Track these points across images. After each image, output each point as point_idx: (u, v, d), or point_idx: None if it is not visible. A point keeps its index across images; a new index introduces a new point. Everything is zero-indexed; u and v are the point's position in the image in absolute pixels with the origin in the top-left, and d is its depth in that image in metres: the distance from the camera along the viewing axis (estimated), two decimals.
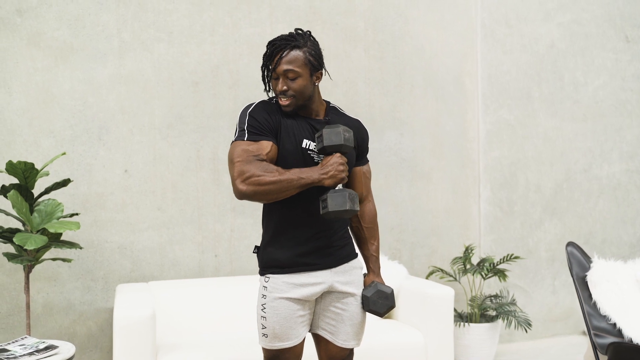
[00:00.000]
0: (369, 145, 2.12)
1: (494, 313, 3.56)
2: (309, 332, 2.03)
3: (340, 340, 2.00)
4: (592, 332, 2.50)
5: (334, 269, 1.96)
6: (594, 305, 2.57)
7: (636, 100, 4.38)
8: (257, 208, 3.05)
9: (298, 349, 1.98)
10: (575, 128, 4.21)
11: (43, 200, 2.74)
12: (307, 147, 1.91)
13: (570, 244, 2.69)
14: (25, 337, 2.44)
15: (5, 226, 2.81)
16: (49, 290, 3.07)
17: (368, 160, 2.11)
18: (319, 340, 2.05)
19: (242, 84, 3.39)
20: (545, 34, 4.11)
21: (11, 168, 2.63)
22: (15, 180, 2.88)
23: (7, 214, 2.72)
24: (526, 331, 3.52)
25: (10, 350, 2.30)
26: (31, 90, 3.06)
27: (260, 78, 2.05)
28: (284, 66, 1.87)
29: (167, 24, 3.27)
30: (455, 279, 3.64)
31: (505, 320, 3.50)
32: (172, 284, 3.12)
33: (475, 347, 3.44)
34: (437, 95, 3.88)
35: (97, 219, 3.15)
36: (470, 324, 3.44)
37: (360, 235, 2.11)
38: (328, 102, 2.04)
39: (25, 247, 2.53)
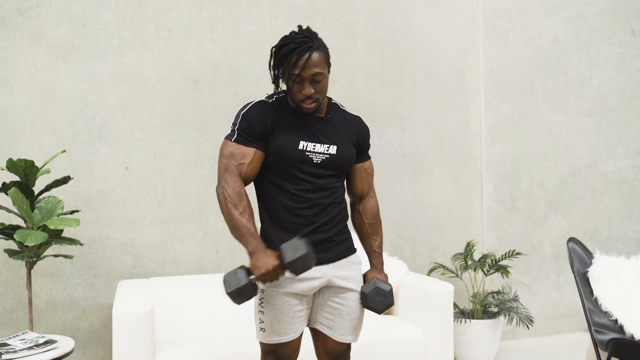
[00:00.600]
0: (370, 142, 2.12)
1: (495, 309, 3.54)
2: (307, 326, 2.04)
3: (338, 334, 2.00)
4: (592, 328, 2.48)
5: (332, 264, 1.97)
6: (595, 302, 2.55)
7: None
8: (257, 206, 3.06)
9: (295, 344, 1.99)
10: (580, 123, 4.17)
11: (44, 198, 2.77)
12: (304, 148, 1.90)
13: (571, 239, 2.67)
14: (26, 332, 2.48)
15: (7, 223, 2.84)
16: (52, 286, 3.11)
17: (370, 157, 2.11)
18: (316, 334, 2.06)
19: (241, 81, 3.40)
20: (549, 28, 4.07)
21: (12, 166, 2.66)
22: (16, 178, 2.92)
23: (9, 211, 2.76)
24: (528, 327, 3.49)
25: (10, 345, 2.34)
26: (32, 89, 3.09)
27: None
28: (312, 69, 1.83)
29: (166, 22, 3.29)
30: (457, 275, 3.62)
31: (507, 317, 3.47)
32: (173, 280, 3.14)
33: (477, 343, 3.42)
34: (438, 90, 3.86)
35: (99, 216, 3.18)
36: (472, 320, 3.42)
37: (362, 231, 2.11)
38: (330, 99, 2.03)
39: (26, 244, 2.56)
